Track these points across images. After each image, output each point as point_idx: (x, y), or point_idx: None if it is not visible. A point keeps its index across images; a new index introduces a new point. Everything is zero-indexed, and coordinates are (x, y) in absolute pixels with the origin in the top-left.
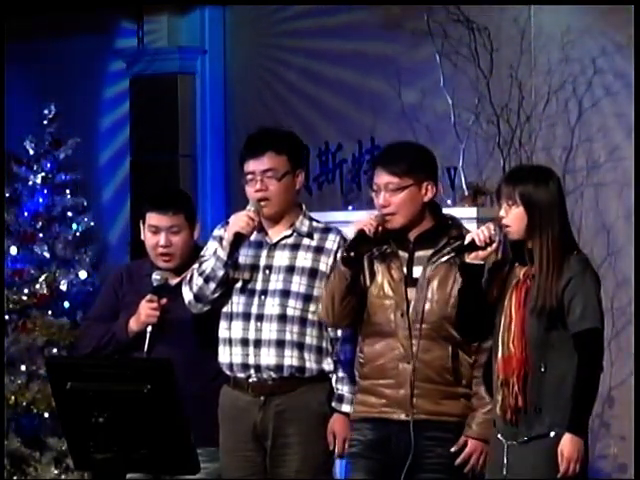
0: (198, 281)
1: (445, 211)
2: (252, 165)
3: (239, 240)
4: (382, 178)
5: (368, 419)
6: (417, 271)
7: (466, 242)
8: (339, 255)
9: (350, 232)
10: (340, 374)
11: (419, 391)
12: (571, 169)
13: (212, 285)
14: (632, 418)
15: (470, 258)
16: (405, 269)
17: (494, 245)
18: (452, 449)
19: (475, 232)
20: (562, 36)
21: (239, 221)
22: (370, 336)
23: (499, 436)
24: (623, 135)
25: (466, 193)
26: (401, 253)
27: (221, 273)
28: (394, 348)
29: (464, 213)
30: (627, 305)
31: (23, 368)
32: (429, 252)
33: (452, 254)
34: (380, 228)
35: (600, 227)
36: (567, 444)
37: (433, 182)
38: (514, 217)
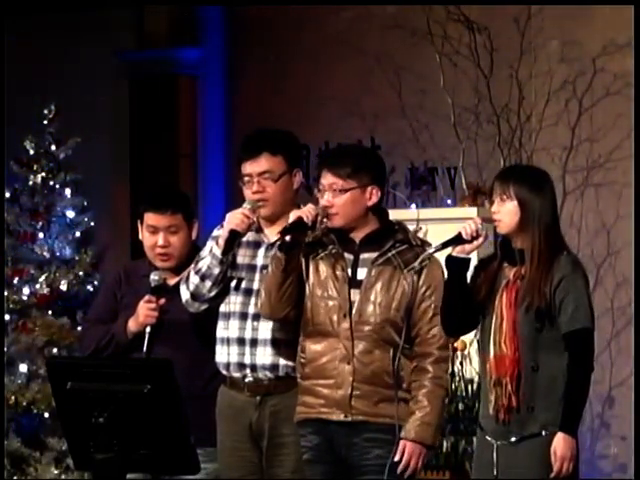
0: (194, 279)
1: (445, 211)
2: (249, 167)
3: (234, 237)
4: (327, 179)
5: (308, 421)
6: (362, 273)
7: (452, 236)
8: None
9: (290, 218)
10: None
11: (358, 392)
12: (571, 169)
13: (208, 283)
14: (632, 418)
15: (456, 251)
16: (350, 270)
17: (480, 239)
18: (396, 458)
19: (462, 226)
20: (562, 36)
21: (234, 218)
22: (312, 336)
23: (487, 437)
24: (623, 135)
25: (466, 193)
26: (346, 255)
27: (217, 271)
28: (335, 348)
29: (464, 213)
30: (627, 305)
31: (23, 368)
32: (374, 254)
33: (395, 254)
34: (319, 218)
35: (600, 227)
36: (560, 443)
37: (378, 187)
38: (507, 211)
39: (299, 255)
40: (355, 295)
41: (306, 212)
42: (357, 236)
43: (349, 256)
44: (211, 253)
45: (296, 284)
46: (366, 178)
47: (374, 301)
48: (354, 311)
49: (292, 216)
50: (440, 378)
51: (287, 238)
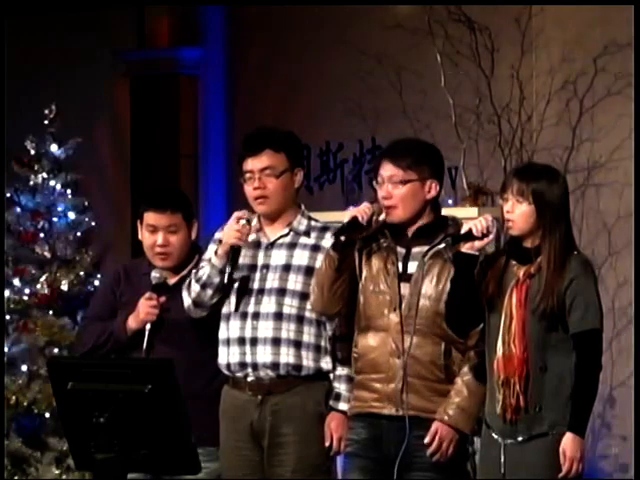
0: (195, 288)
1: (446, 211)
2: (250, 163)
3: (236, 252)
4: (387, 170)
5: (361, 415)
6: (413, 266)
7: (463, 231)
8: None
9: (345, 218)
10: (338, 372)
11: (409, 387)
12: (572, 169)
13: (209, 292)
14: (633, 418)
15: (465, 248)
16: (400, 264)
17: (490, 236)
18: (426, 440)
19: (473, 222)
20: (563, 36)
21: (231, 232)
22: (364, 330)
23: (494, 435)
24: (624, 135)
25: (467, 193)
26: (399, 248)
27: (217, 280)
28: (386, 343)
29: (465, 213)
30: (628, 305)
31: (24, 368)
32: (425, 248)
33: (445, 247)
34: (374, 217)
35: (601, 227)
36: (569, 443)
37: (438, 181)
38: (522, 214)
39: (352, 254)
40: (405, 289)
41: (361, 211)
42: (410, 229)
43: (401, 250)
44: (210, 263)
45: (348, 282)
46: (426, 171)
47: (424, 295)
48: (404, 305)
49: (347, 215)
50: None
51: (342, 238)
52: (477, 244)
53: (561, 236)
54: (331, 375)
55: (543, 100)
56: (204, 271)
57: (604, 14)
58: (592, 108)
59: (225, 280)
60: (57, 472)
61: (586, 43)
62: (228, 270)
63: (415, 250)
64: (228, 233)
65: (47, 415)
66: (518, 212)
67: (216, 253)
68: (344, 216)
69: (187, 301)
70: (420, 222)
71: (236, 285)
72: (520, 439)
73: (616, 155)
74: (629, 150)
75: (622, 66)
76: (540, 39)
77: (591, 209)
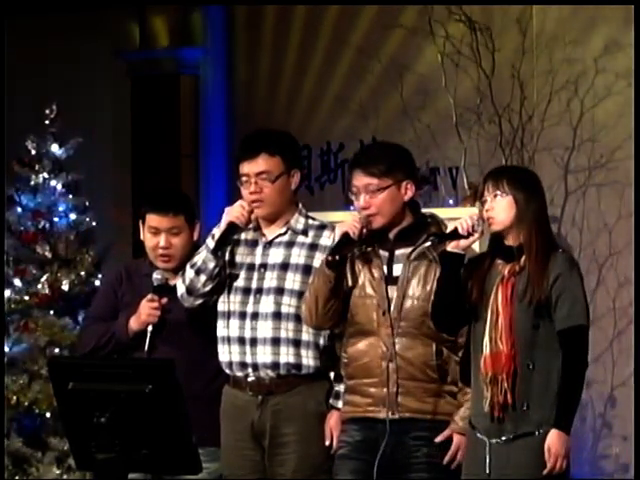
0: (190, 273)
1: (447, 211)
2: (246, 167)
3: (232, 231)
4: (361, 180)
5: (355, 419)
6: (398, 269)
7: (448, 230)
8: (323, 258)
9: (336, 234)
10: (337, 371)
11: (403, 389)
12: (573, 169)
13: (203, 278)
14: (633, 418)
15: (451, 247)
16: (385, 267)
17: (476, 235)
18: (437, 439)
19: (458, 221)
20: (564, 36)
21: (233, 211)
22: (353, 336)
23: (479, 435)
24: (625, 135)
25: (468, 193)
26: (382, 252)
27: (211, 265)
28: (377, 347)
29: (466, 213)
30: (628, 305)
31: (25, 368)
32: (409, 250)
33: (429, 247)
34: (364, 230)
35: (602, 227)
36: (554, 440)
37: (412, 181)
38: (501, 207)
39: (346, 269)
40: (392, 292)
41: (352, 227)
42: (392, 232)
43: (384, 253)
44: (206, 247)
45: (342, 297)
46: (400, 174)
47: (412, 296)
48: (392, 308)
49: (338, 232)
50: None
51: (336, 257)
52: (462, 243)
53: (540, 230)
54: (331, 374)
55: (544, 100)
56: (199, 256)
57: (604, 14)
58: (593, 108)
59: (219, 263)
60: (58, 472)
61: (586, 43)
62: (221, 253)
63: (399, 252)
64: (229, 211)
65: (48, 415)
66: (498, 207)
67: (213, 237)
68: (344, 216)
69: (181, 289)
70: (401, 224)
71: (235, 283)
72: (506, 438)
73: (617, 155)
74: (629, 150)
75: (622, 66)
76: (541, 39)
77: (592, 209)
